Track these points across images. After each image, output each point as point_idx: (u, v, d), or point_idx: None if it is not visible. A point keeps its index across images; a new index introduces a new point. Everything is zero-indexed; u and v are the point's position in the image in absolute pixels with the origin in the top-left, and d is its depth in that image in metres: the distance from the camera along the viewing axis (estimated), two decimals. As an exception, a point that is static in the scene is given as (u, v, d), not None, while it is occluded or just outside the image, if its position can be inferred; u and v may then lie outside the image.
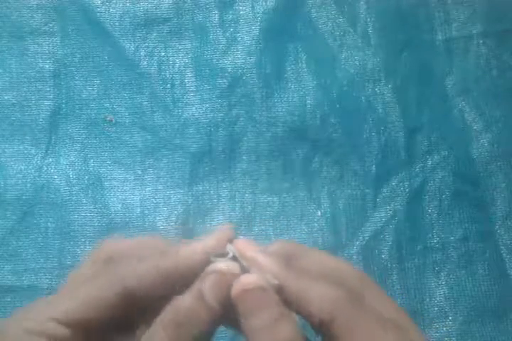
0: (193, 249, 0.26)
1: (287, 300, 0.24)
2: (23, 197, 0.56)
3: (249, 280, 0.24)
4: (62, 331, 0.24)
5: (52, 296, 0.26)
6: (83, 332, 0.25)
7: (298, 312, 0.24)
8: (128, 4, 0.62)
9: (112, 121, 0.59)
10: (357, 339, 0.23)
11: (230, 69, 0.60)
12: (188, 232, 0.55)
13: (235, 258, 0.26)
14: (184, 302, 0.24)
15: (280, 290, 0.24)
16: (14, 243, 0.55)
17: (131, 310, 0.25)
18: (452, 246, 0.55)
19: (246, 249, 0.26)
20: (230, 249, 0.26)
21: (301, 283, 0.24)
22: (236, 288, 0.24)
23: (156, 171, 0.58)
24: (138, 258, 0.26)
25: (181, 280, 0.25)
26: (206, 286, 0.24)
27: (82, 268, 0.28)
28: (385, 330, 0.23)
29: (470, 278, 0.54)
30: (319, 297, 0.23)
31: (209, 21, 0.62)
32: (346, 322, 0.23)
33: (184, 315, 0.23)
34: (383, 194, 0.57)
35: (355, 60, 0.60)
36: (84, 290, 0.25)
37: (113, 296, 0.25)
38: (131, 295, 0.25)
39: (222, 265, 0.25)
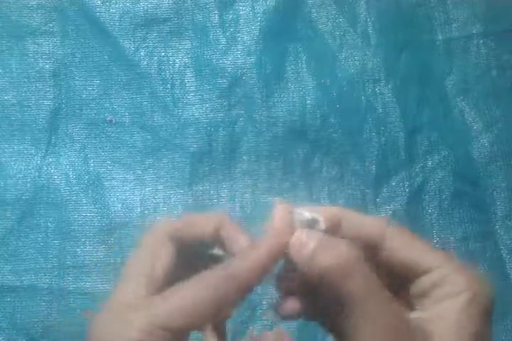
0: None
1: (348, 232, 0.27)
2: (23, 197, 0.56)
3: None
4: (168, 337, 0.24)
5: (146, 299, 0.26)
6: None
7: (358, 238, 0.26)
8: (128, 4, 0.62)
9: (112, 121, 0.59)
10: (405, 254, 0.26)
11: (230, 69, 0.60)
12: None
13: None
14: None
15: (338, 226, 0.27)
16: (14, 243, 0.55)
17: None
18: (452, 246, 0.55)
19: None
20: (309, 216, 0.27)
21: (357, 217, 0.27)
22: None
23: (156, 171, 0.58)
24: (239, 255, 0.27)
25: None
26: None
27: (142, 254, 0.28)
28: (432, 250, 0.26)
29: (470, 278, 0.54)
30: (372, 225, 0.27)
31: (209, 21, 0.62)
32: (394, 241, 0.26)
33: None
34: (383, 194, 0.57)
35: (355, 60, 0.60)
36: (191, 292, 0.25)
37: (230, 304, 0.25)
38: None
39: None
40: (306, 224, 0.27)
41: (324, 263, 0.24)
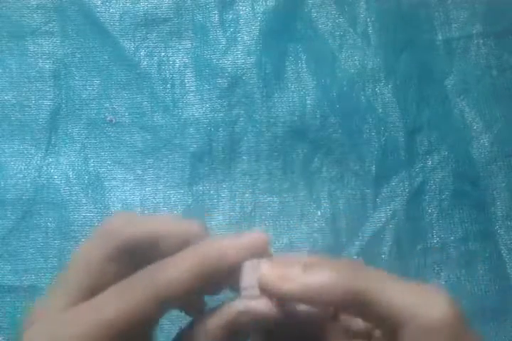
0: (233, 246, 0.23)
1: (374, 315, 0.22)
2: (23, 197, 0.56)
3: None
4: None
5: (68, 312, 0.23)
6: None
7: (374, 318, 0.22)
8: (128, 4, 0.62)
9: (112, 121, 0.59)
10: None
11: (230, 69, 0.60)
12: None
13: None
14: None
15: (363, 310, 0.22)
16: (14, 243, 0.55)
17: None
18: (452, 246, 0.55)
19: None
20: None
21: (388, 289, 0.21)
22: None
23: (156, 171, 0.58)
24: (168, 260, 0.23)
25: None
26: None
27: (84, 261, 0.25)
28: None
29: (470, 278, 0.54)
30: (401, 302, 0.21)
31: (209, 21, 0.62)
32: (418, 329, 0.21)
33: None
34: (383, 194, 0.57)
35: (355, 60, 0.60)
36: (114, 306, 0.22)
37: (148, 316, 0.22)
38: (165, 309, 0.23)
39: (254, 304, 0.23)
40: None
41: None
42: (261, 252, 0.24)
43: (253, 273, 0.23)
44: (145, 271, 0.23)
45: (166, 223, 0.25)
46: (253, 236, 0.24)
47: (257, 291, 0.23)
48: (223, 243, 0.23)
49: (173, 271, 0.22)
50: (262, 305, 0.23)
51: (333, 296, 0.21)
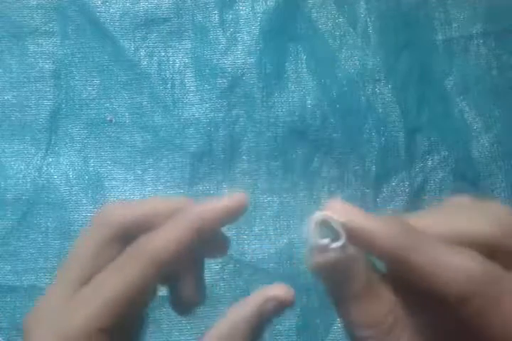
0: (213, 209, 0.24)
1: (407, 275, 0.20)
2: (23, 197, 0.56)
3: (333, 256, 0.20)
4: (99, 337, 0.22)
5: (75, 298, 0.23)
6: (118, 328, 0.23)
7: (418, 286, 0.20)
8: (128, 4, 0.62)
9: (112, 121, 0.59)
10: (490, 328, 0.19)
11: (230, 69, 0.60)
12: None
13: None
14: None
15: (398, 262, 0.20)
16: (14, 243, 0.55)
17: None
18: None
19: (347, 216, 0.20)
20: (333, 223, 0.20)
21: (424, 253, 0.19)
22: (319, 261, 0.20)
23: (156, 171, 0.58)
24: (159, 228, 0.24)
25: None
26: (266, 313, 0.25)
27: (85, 247, 0.25)
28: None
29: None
30: (450, 272, 0.19)
31: (209, 21, 0.62)
32: (484, 305, 0.19)
33: None
34: (383, 194, 0.57)
35: (355, 60, 0.60)
36: (113, 286, 0.22)
37: (148, 283, 0.23)
38: (163, 272, 0.23)
39: (277, 291, 0.25)
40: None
41: None
42: (239, 212, 0.25)
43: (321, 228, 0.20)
44: (136, 243, 0.24)
45: (156, 203, 0.26)
46: (231, 197, 0.25)
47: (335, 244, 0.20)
48: (205, 207, 0.25)
49: (162, 234, 0.23)
50: (284, 291, 0.25)
51: (383, 247, 0.20)
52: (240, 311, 0.26)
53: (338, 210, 0.20)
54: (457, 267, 0.19)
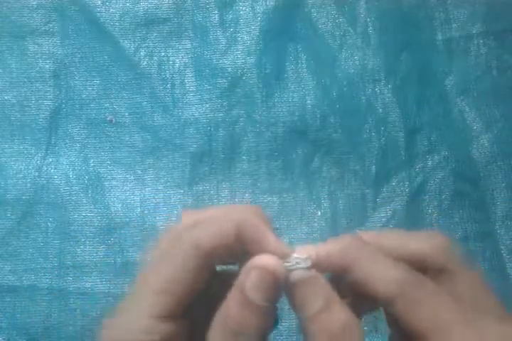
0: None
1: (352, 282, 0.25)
2: (23, 197, 0.56)
3: (299, 273, 0.24)
4: (167, 326, 0.24)
5: (140, 289, 0.24)
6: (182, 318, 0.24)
7: (362, 291, 0.24)
8: (128, 4, 0.62)
9: (112, 121, 0.59)
10: (417, 322, 0.24)
11: (230, 69, 0.60)
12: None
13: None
14: (231, 310, 0.23)
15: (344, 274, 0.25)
16: (14, 243, 0.55)
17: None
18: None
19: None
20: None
21: (363, 264, 0.25)
22: (289, 283, 0.24)
23: (156, 171, 0.58)
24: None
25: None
26: (250, 286, 0.23)
27: (162, 265, 0.25)
28: (452, 314, 0.23)
29: (470, 278, 0.54)
30: (380, 279, 0.24)
31: (209, 21, 0.62)
32: (406, 304, 0.24)
33: (234, 323, 0.23)
34: (383, 194, 0.57)
35: (355, 60, 0.60)
36: (164, 274, 0.24)
37: (194, 267, 0.24)
38: (209, 261, 0.24)
39: (266, 259, 0.24)
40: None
41: None
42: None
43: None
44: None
45: (247, 228, 0.26)
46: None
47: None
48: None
49: (211, 225, 0.24)
50: (270, 261, 0.24)
51: (333, 263, 0.25)
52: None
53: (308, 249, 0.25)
54: (386, 275, 0.24)
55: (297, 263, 0.24)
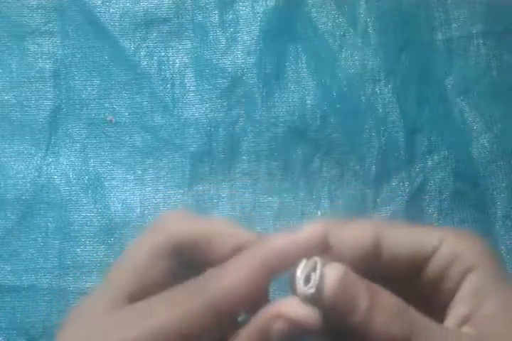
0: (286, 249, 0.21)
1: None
2: (23, 197, 0.56)
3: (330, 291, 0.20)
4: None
5: (126, 312, 0.21)
6: None
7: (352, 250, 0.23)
8: (128, 4, 0.62)
9: (112, 121, 0.59)
10: (405, 241, 0.24)
11: (230, 69, 0.60)
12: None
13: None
14: None
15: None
16: (14, 243, 0.55)
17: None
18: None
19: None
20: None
21: (343, 230, 0.23)
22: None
23: (156, 171, 0.58)
24: (222, 266, 0.21)
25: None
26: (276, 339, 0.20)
27: (131, 259, 0.23)
28: (432, 229, 0.25)
29: (470, 278, 0.54)
30: (360, 233, 0.24)
31: (209, 21, 0.62)
32: (390, 237, 0.24)
33: None
34: (383, 194, 0.57)
35: (355, 60, 0.60)
36: (165, 318, 0.20)
37: (205, 325, 0.20)
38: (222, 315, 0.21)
39: (291, 309, 0.20)
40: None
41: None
42: (322, 247, 0.22)
43: (309, 271, 0.21)
44: (199, 279, 0.21)
45: (219, 225, 0.24)
46: (310, 230, 0.22)
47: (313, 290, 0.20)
48: (281, 242, 0.21)
49: (233, 274, 0.20)
50: (300, 310, 0.20)
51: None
52: (242, 334, 0.21)
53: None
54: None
55: (308, 276, 0.20)
